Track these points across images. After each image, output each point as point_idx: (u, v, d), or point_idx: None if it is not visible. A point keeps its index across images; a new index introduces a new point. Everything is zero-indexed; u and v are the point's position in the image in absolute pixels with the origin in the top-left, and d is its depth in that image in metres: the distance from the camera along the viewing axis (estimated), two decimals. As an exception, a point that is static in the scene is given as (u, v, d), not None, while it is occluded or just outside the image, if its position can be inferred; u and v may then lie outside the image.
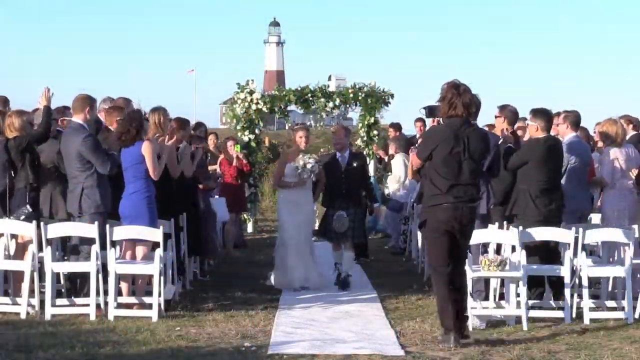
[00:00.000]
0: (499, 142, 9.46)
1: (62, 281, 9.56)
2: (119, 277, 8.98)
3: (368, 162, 12.73)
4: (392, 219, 15.04)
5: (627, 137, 10.67)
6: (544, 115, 9.31)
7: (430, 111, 8.19)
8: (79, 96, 9.35)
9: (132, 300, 9.11)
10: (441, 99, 7.72)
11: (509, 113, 9.87)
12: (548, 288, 9.42)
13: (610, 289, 9.52)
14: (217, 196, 13.75)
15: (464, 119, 7.70)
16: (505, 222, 9.42)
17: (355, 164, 11.04)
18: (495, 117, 9.96)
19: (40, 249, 8.89)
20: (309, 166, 10.68)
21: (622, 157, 9.94)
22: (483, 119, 10.01)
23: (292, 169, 10.77)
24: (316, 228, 11.69)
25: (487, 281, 9.21)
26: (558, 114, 10.20)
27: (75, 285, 9.36)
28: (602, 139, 10.50)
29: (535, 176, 9.09)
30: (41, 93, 9.38)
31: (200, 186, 11.63)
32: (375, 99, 18.34)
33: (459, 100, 7.62)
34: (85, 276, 8.99)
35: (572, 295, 8.75)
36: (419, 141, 8.04)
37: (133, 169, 9.06)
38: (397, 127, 17.02)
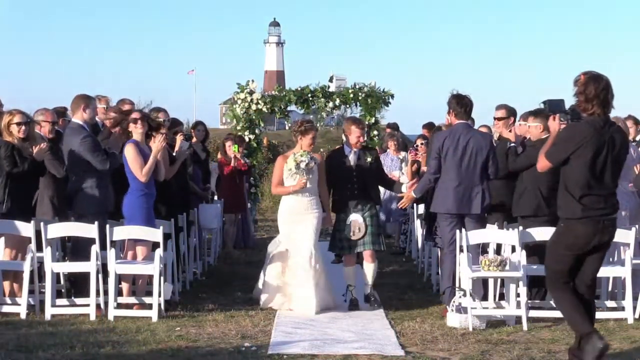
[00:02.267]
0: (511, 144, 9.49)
1: (62, 281, 9.57)
2: (120, 277, 8.98)
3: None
4: (394, 219, 15.01)
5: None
6: (545, 116, 9.29)
7: (552, 106, 7.15)
8: (76, 96, 9.38)
9: (132, 300, 9.12)
10: (578, 93, 6.66)
11: (508, 113, 9.89)
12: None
13: (610, 289, 9.52)
14: (215, 197, 13.75)
15: (606, 117, 6.70)
16: (505, 222, 9.43)
17: (368, 159, 9.55)
18: (494, 118, 9.97)
19: (39, 249, 8.89)
20: (302, 165, 9.24)
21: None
22: (482, 119, 10.00)
23: (287, 173, 9.37)
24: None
25: (487, 281, 9.21)
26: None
27: (77, 286, 9.35)
28: None
29: (545, 177, 9.08)
30: (39, 147, 9.07)
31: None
32: (375, 99, 18.33)
33: (600, 95, 6.61)
34: (85, 277, 8.98)
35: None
36: (553, 141, 6.92)
37: (127, 170, 9.07)
38: (394, 127, 17.03)
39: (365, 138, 10.37)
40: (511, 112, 9.93)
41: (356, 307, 9.43)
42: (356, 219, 9.40)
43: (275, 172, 9.53)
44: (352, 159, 9.52)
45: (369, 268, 9.57)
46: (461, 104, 9.08)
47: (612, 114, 6.95)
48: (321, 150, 25.27)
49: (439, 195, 9.05)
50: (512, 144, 9.42)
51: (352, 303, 9.48)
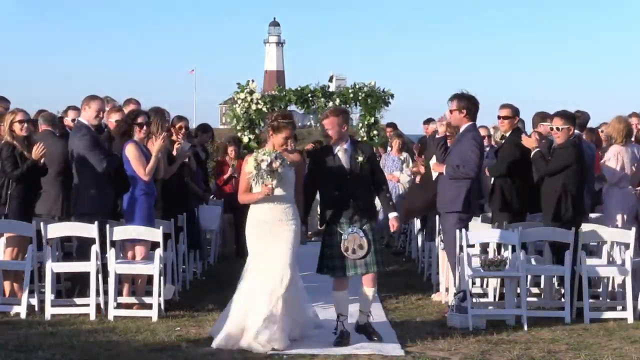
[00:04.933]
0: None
1: (62, 281, 9.57)
2: (120, 277, 8.98)
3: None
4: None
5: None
6: (570, 117, 9.29)
7: None
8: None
9: (132, 300, 9.11)
10: None
11: (512, 112, 9.92)
12: (547, 288, 9.43)
13: (610, 288, 9.52)
14: (214, 197, 13.71)
15: None
16: (505, 222, 9.43)
17: (360, 158, 7.76)
18: (499, 117, 9.98)
19: (39, 248, 8.89)
20: (264, 165, 7.41)
21: (627, 156, 9.93)
22: (484, 119, 10.02)
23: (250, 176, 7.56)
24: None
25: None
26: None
27: (77, 287, 9.33)
28: (606, 137, 10.57)
29: (576, 178, 9.09)
30: (36, 147, 9.01)
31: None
32: (375, 99, 18.36)
33: None
34: (85, 278, 8.98)
35: (572, 295, 8.75)
36: None
37: (128, 169, 9.08)
38: (393, 126, 17.10)
39: (351, 130, 8.65)
40: (516, 111, 9.95)
41: (346, 342, 7.63)
42: (356, 234, 7.67)
43: (242, 174, 7.79)
44: (341, 157, 7.78)
45: (368, 293, 7.80)
46: (476, 106, 9.08)
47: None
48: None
49: (461, 195, 8.96)
50: (537, 149, 9.37)
51: (342, 336, 7.67)
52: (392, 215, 7.85)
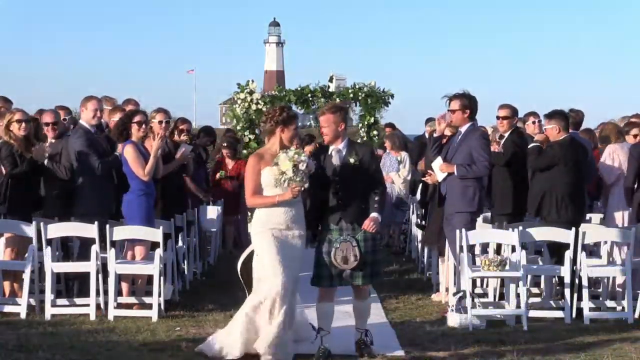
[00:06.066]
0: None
1: (62, 281, 9.56)
2: (119, 277, 8.98)
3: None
4: (394, 223, 14.95)
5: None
6: (560, 116, 9.29)
7: None
8: None
9: (132, 300, 9.12)
10: None
11: (512, 112, 9.93)
12: (547, 288, 9.44)
13: (610, 289, 9.52)
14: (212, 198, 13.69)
15: None
16: (505, 223, 9.43)
17: (351, 159, 7.23)
18: (498, 117, 9.98)
19: (39, 248, 8.89)
20: (303, 166, 6.95)
21: (622, 154, 9.94)
22: (483, 119, 10.01)
23: (274, 177, 7.06)
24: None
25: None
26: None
27: (75, 287, 9.33)
28: (600, 138, 10.60)
29: (565, 178, 9.08)
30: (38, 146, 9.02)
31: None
32: (375, 99, 18.34)
33: None
34: (85, 278, 8.98)
35: (572, 295, 8.75)
36: None
37: (127, 170, 9.08)
38: (391, 127, 17.11)
39: (351, 130, 7.76)
40: (515, 111, 10.00)
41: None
42: (349, 243, 7.12)
43: (250, 176, 7.19)
44: (333, 158, 7.30)
45: (360, 307, 7.40)
46: (477, 105, 9.04)
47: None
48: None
49: (475, 194, 8.90)
50: (534, 144, 9.43)
51: (323, 355, 7.24)
52: (372, 215, 7.17)
